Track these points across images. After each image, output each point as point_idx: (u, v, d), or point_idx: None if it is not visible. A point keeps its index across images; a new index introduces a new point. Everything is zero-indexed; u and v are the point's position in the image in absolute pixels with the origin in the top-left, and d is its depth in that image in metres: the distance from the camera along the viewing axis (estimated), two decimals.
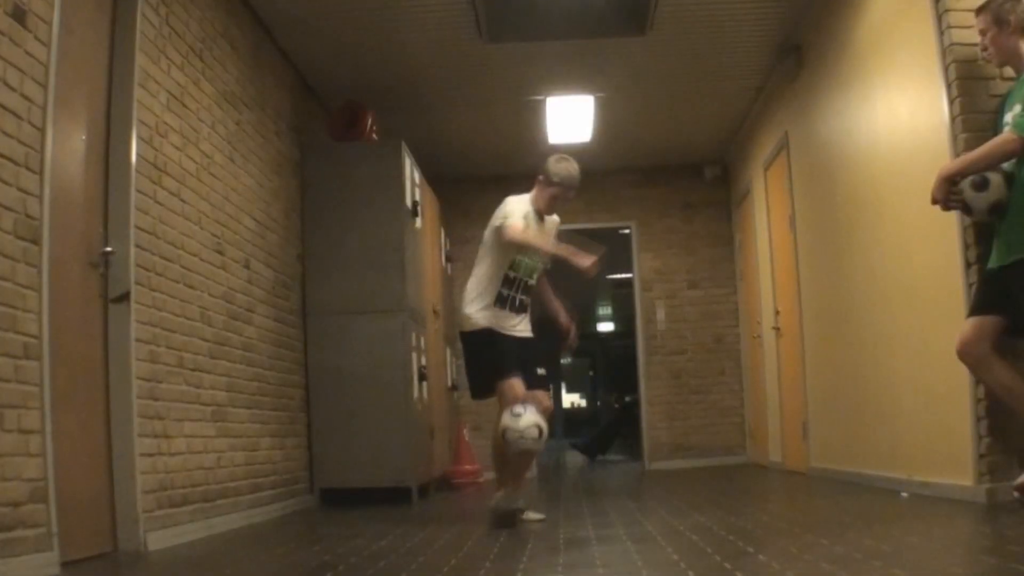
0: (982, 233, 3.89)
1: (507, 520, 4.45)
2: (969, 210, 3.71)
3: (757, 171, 8.14)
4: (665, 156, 9.36)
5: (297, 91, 6.72)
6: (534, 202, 4.76)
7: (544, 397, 4.62)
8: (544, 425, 4.43)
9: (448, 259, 9.01)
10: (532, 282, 4.74)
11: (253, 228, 5.57)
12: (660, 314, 9.51)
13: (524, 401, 4.43)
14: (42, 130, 3.32)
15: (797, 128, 6.80)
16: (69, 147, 3.68)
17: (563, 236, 4.86)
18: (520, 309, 4.70)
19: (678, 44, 6.61)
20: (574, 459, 13.29)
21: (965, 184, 3.64)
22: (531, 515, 4.63)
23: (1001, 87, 3.92)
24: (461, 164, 9.21)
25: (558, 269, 4.72)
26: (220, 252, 5.01)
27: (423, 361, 6.88)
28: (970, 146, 3.85)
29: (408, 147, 6.83)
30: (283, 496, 5.79)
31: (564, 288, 4.89)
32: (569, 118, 7.90)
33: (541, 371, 4.69)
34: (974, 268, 3.95)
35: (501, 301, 4.63)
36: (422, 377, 6.80)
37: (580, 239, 4.72)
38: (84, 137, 3.81)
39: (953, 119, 4.06)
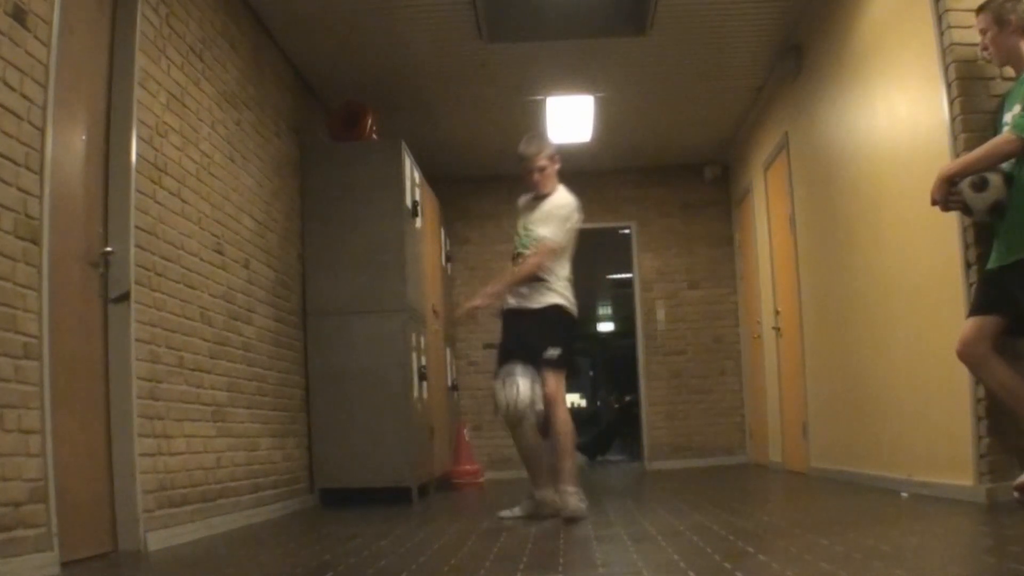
0: (982, 233, 3.89)
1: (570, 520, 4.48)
2: (969, 211, 3.71)
3: (757, 171, 8.14)
4: (665, 156, 9.36)
5: (297, 91, 6.72)
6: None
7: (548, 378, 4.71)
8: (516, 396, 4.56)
9: (448, 259, 9.01)
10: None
11: (253, 228, 5.57)
12: (660, 314, 9.51)
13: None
14: (42, 130, 3.32)
15: (797, 128, 6.80)
16: (69, 147, 3.68)
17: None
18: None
19: (678, 44, 6.61)
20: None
21: (964, 185, 3.63)
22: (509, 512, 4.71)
23: (1001, 87, 3.92)
24: (461, 164, 9.21)
25: None
26: (220, 252, 5.01)
27: (423, 361, 6.88)
28: (970, 146, 3.85)
29: (408, 147, 6.83)
30: (283, 496, 5.79)
31: None
32: (569, 118, 7.90)
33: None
34: (974, 268, 3.95)
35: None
36: (422, 377, 6.80)
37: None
38: (84, 137, 3.81)
39: (953, 119, 4.06)
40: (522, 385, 4.57)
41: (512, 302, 4.85)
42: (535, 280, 4.77)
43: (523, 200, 5.06)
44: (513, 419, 4.62)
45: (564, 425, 4.66)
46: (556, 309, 4.79)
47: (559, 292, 4.80)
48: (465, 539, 3.92)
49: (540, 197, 4.93)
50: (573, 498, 4.51)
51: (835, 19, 5.66)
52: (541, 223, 4.82)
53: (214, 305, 4.88)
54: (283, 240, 6.15)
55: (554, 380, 4.66)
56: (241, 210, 5.37)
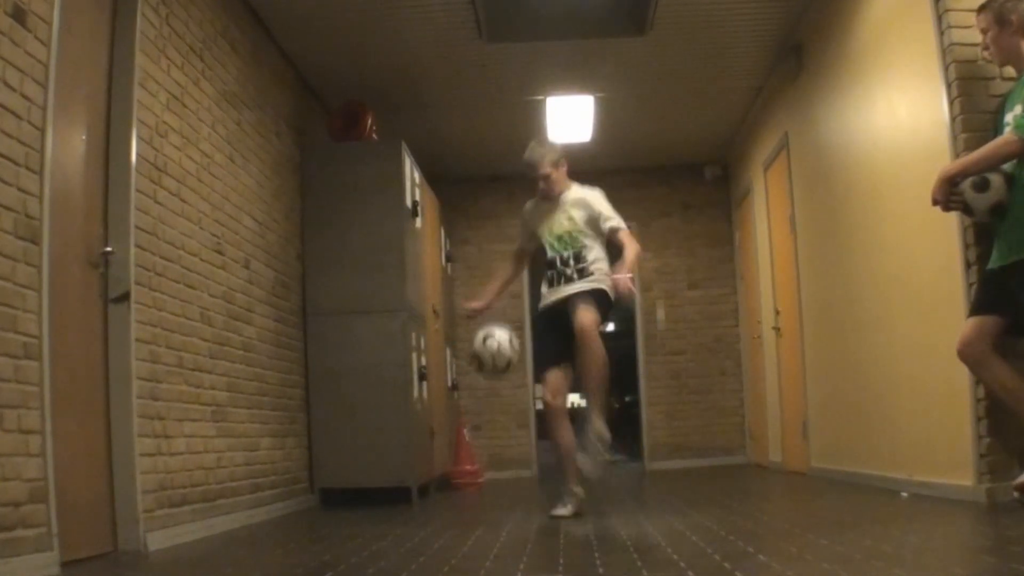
0: (982, 233, 3.89)
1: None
2: (970, 211, 3.71)
3: (757, 171, 8.14)
4: (665, 156, 9.36)
5: (297, 91, 6.72)
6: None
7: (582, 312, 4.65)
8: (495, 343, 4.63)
9: (448, 259, 9.01)
10: (575, 249, 4.84)
11: (253, 228, 5.57)
12: (660, 314, 9.51)
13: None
14: (42, 130, 3.32)
15: (797, 128, 6.80)
16: (69, 147, 3.68)
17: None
18: (571, 278, 4.82)
19: (678, 44, 6.61)
20: None
21: (966, 185, 3.64)
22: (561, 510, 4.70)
23: (1001, 87, 3.92)
24: (461, 164, 9.21)
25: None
26: (220, 252, 5.01)
27: (423, 361, 6.88)
28: (970, 146, 3.85)
29: (408, 147, 6.83)
30: (283, 496, 5.79)
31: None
32: (569, 118, 7.90)
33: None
34: (974, 268, 3.95)
35: (550, 282, 4.88)
36: (422, 377, 6.80)
37: None
38: (84, 137, 3.81)
39: (953, 119, 4.06)
40: (500, 336, 4.68)
41: (551, 299, 4.84)
42: (584, 273, 4.80)
43: (531, 205, 5.06)
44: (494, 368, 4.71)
45: (599, 357, 4.57)
46: (603, 292, 4.77)
47: (604, 281, 4.80)
48: (465, 539, 3.92)
49: (553, 198, 4.95)
50: (598, 423, 4.56)
51: (835, 19, 5.67)
52: (587, 214, 4.85)
53: (214, 305, 4.88)
54: (283, 240, 6.15)
55: (591, 317, 4.58)
56: (241, 210, 5.37)
